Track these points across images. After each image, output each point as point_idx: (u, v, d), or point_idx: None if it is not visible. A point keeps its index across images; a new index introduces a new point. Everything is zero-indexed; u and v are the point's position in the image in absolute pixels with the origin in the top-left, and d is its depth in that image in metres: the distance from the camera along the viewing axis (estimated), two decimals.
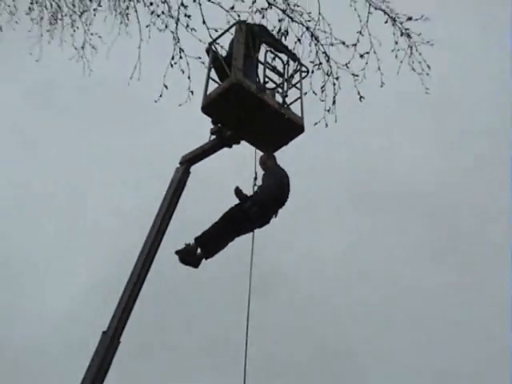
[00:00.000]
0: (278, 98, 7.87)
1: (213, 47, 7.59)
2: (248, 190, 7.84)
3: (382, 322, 18.14)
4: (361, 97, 7.00)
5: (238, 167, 8.28)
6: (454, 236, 19.46)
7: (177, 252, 7.41)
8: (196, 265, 7.55)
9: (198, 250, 7.49)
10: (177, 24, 6.80)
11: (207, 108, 7.55)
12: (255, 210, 7.55)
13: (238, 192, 7.60)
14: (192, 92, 6.95)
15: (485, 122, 18.92)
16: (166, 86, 6.81)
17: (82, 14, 6.99)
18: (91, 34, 7.21)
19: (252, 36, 7.46)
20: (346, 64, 6.93)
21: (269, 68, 7.88)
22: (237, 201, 7.61)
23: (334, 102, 7.03)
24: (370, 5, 6.76)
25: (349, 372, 17.09)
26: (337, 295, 17.94)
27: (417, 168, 19.22)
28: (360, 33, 6.82)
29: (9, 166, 18.40)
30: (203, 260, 7.59)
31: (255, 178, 8.20)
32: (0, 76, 7.57)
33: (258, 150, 8.17)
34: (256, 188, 8.03)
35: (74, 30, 7.08)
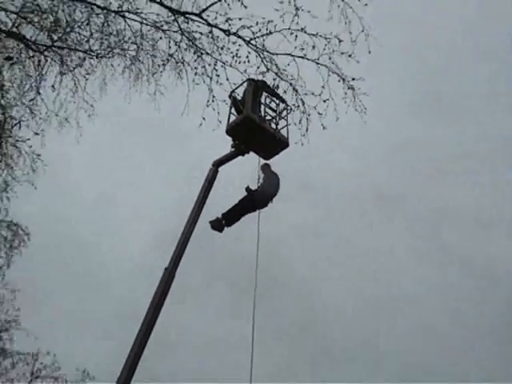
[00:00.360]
0: (273, 126, 11.84)
1: (233, 94, 11.60)
2: (253, 184, 11.96)
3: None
4: (324, 127, 11.15)
5: (248, 169, 12.27)
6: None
7: (210, 222, 11.51)
8: (221, 230, 11.66)
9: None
10: (210, 80, 10.97)
11: (229, 131, 11.56)
12: (260, 198, 11.70)
13: (247, 189, 11.70)
14: (220, 122, 11.15)
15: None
16: (204, 118, 10.95)
17: (153, 74, 11.15)
18: (159, 86, 11.31)
19: (257, 87, 11.51)
20: (315, 106, 10.99)
21: (267, 107, 11.93)
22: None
23: (306, 130, 11.11)
24: (329, 70, 10.79)
25: None
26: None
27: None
28: (323, 87, 10.81)
29: (108, 166, 29.47)
30: (226, 228, 11.74)
31: (258, 178, 12.24)
32: (104, 114, 11.42)
33: (261, 158, 12.22)
34: (259, 184, 12.12)
35: (149, 84, 11.24)
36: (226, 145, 11.89)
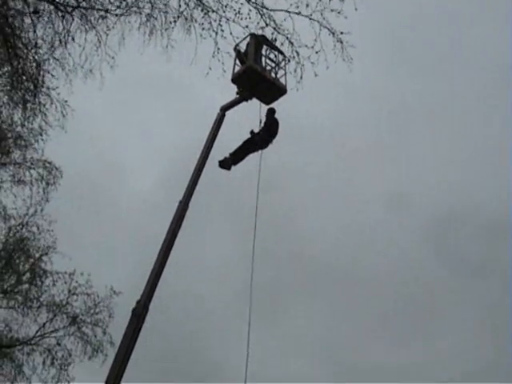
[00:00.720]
0: (272, 74, 13.30)
1: (237, 47, 12.95)
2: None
3: None
4: (316, 75, 12.51)
5: (251, 114, 13.78)
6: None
7: (219, 161, 13.17)
8: (229, 168, 13.32)
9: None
10: (216, 34, 12.09)
11: (234, 80, 13.07)
12: (261, 139, 13.29)
13: (251, 132, 13.30)
14: (225, 71, 12.37)
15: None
16: (210, 68, 12.18)
17: (166, 30, 12.46)
18: (170, 40, 12.55)
19: (258, 41, 12.95)
20: (308, 57, 12.18)
21: (267, 58, 13.35)
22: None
23: (301, 77, 12.48)
24: (320, 25, 12.03)
25: None
26: None
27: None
28: (315, 40, 11.96)
29: (123, 111, 33.11)
30: (233, 166, 13.38)
31: (260, 122, 13.71)
32: (121, 65, 12.77)
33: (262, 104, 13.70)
34: (260, 127, 13.63)
35: (162, 38, 12.54)
36: (232, 91, 13.41)
